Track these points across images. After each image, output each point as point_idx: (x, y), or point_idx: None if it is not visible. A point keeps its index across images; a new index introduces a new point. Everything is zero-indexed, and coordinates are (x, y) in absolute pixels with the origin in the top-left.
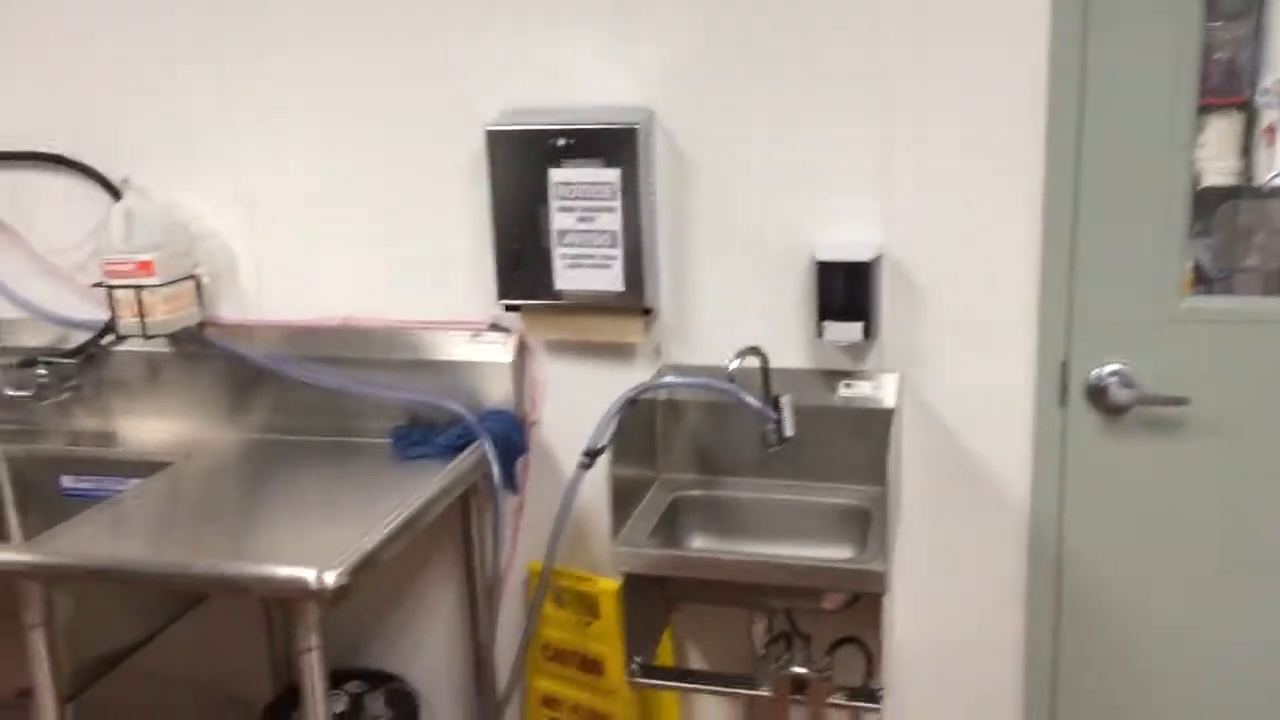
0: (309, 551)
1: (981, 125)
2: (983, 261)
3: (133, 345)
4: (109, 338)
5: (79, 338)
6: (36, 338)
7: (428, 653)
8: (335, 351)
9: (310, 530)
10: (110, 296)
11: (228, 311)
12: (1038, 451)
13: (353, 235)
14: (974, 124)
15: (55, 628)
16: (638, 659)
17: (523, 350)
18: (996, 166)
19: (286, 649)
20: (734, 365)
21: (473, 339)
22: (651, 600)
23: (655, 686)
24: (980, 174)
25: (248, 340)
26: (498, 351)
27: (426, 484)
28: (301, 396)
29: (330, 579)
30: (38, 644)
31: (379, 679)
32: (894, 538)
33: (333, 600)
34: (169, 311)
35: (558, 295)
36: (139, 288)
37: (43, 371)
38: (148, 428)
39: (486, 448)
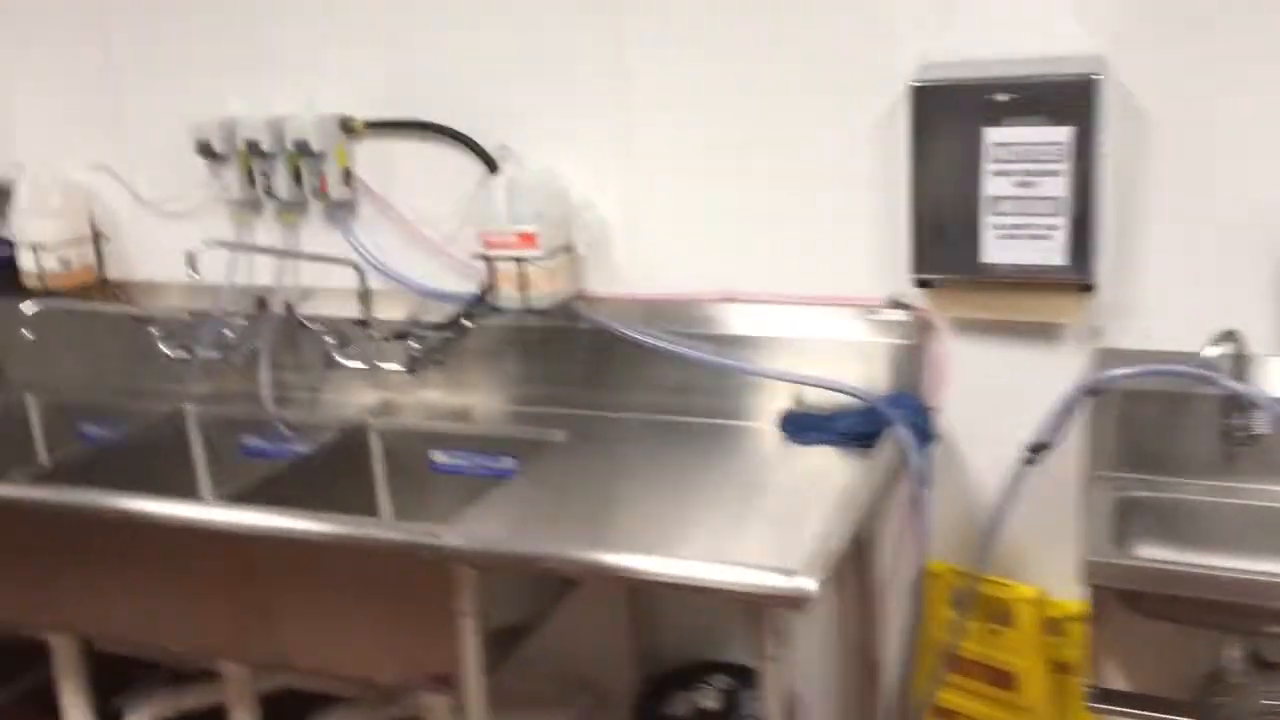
0: (770, 552)
1: None
2: None
3: (501, 319)
4: (480, 310)
5: (440, 311)
6: (395, 310)
7: (802, 651)
8: (712, 328)
9: (749, 526)
10: (490, 269)
11: (599, 284)
12: None
13: (738, 204)
14: None
15: (484, 616)
16: (1092, 684)
17: (926, 330)
18: None
19: (650, 638)
20: (1213, 352)
21: (869, 317)
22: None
23: (1113, 714)
24: None
25: (620, 314)
26: (897, 331)
27: (857, 477)
28: (676, 375)
29: (810, 586)
30: (467, 632)
31: (748, 674)
32: None
33: (801, 606)
34: (550, 284)
35: (983, 269)
36: (521, 260)
37: (415, 344)
38: (515, 403)
39: (904, 436)
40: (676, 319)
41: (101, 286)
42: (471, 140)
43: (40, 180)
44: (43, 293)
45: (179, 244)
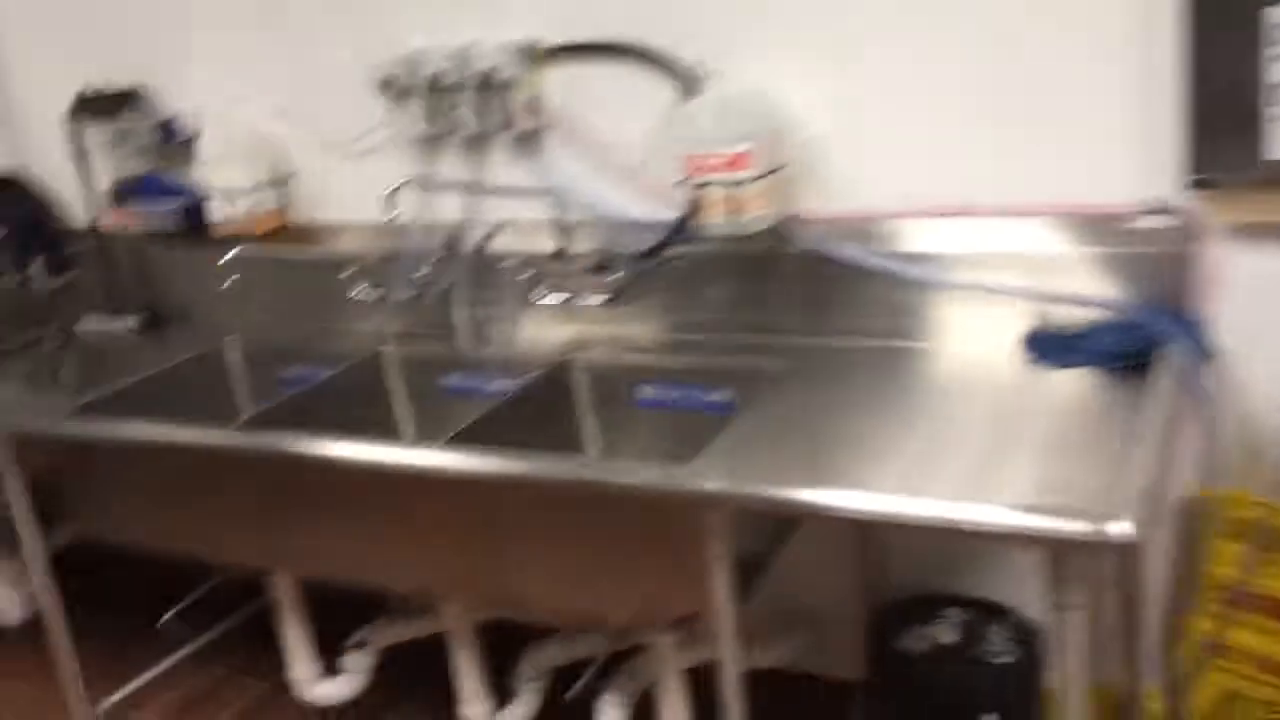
0: (1058, 490)
1: None
2: None
3: (705, 245)
4: (683, 238)
5: (637, 240)
6: (586, 242)
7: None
8: (938, 246)
9: (1012, 459)
10: (694, 193)
11: (810, 203)
12: None
13: (965, 110)
14: None
15: (734, 555)
16: None
17: (1194, 236)
18: None
19: (878, 568)
20: None
21: (1124, 225)
22: None
23: None
24: None
25: (834, 234)
26: (1159, 239)
27: (1137, 403)
28: (898, 298)
29: (1130, 531)
30: (718, 572)
31: (985, 608)
32: None
33: (1127, 554)
34: (761, 207)
35: (1267, 167)
36: (732, 183)
37: (614, 276)
38: (722, 332)
39: (1180, 353)
40: (896, 238)
41: (287, 230)
42: (666, 59)
43: (225, 127)
44: (231, 239)
45: (363, 185)
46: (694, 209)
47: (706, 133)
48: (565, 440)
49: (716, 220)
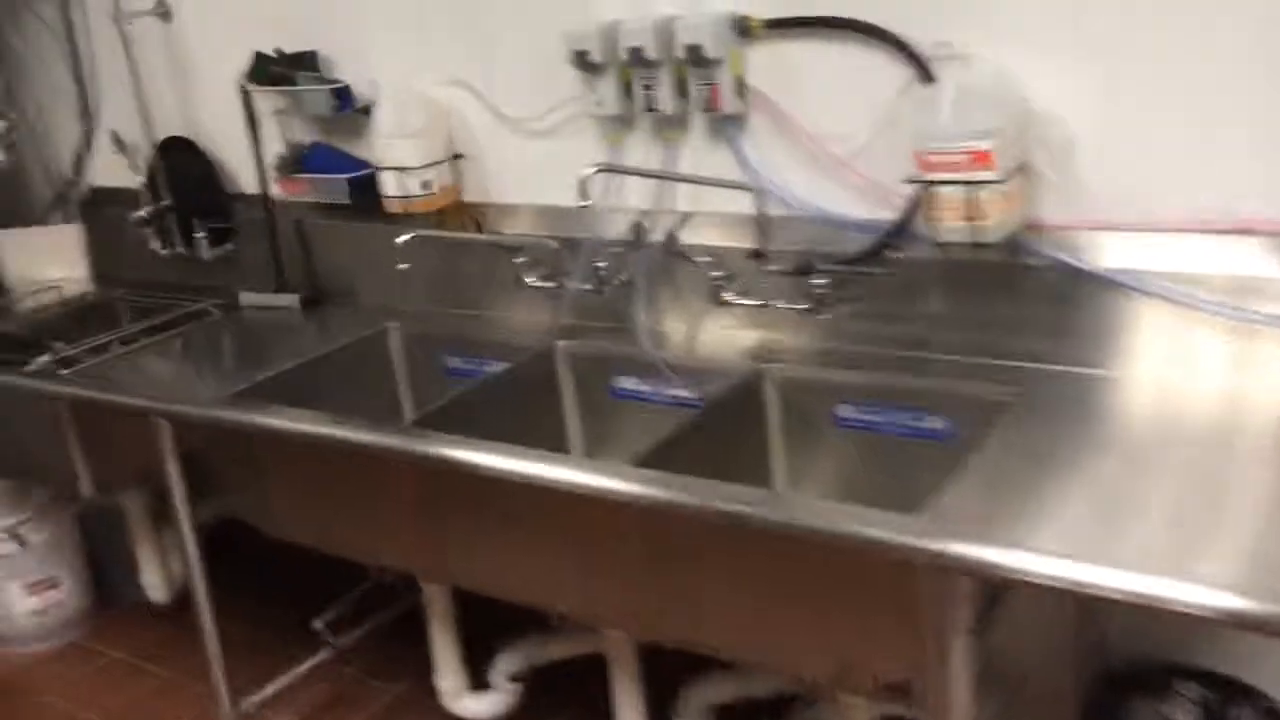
0: None
1: None
2: None
3: (925, 251)
4: (902, 241)
5: (842, 241)
6: (783, 239)
7: None
8: (1212, 268)
9: None
10: (923, 193)
11: (1055, 210)
12: None
13: (1255, 107)
14: None
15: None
16: None
17: None
18: None
19: (1097, 631)
20: None
21: None
22: None
23: None
24: None
25: (1084, 247)
26: None
27: None
28: (1157, 327)
29: None
30: (948, 644)
31: (1228, 686)
32: None
33: None
34: (1001, 213)
35: None
36: (973, 183)
37: (820, 280)
38: (939, 351)
39: None
40: (1160, 255)
41: (460, 210)
42: (898, 39)
43: (401, 99)
44: (401, 217)
45: (543, 166)
46: (917, 211)
47: (943, 126)
48: (751, 460)
49: (948, 225)
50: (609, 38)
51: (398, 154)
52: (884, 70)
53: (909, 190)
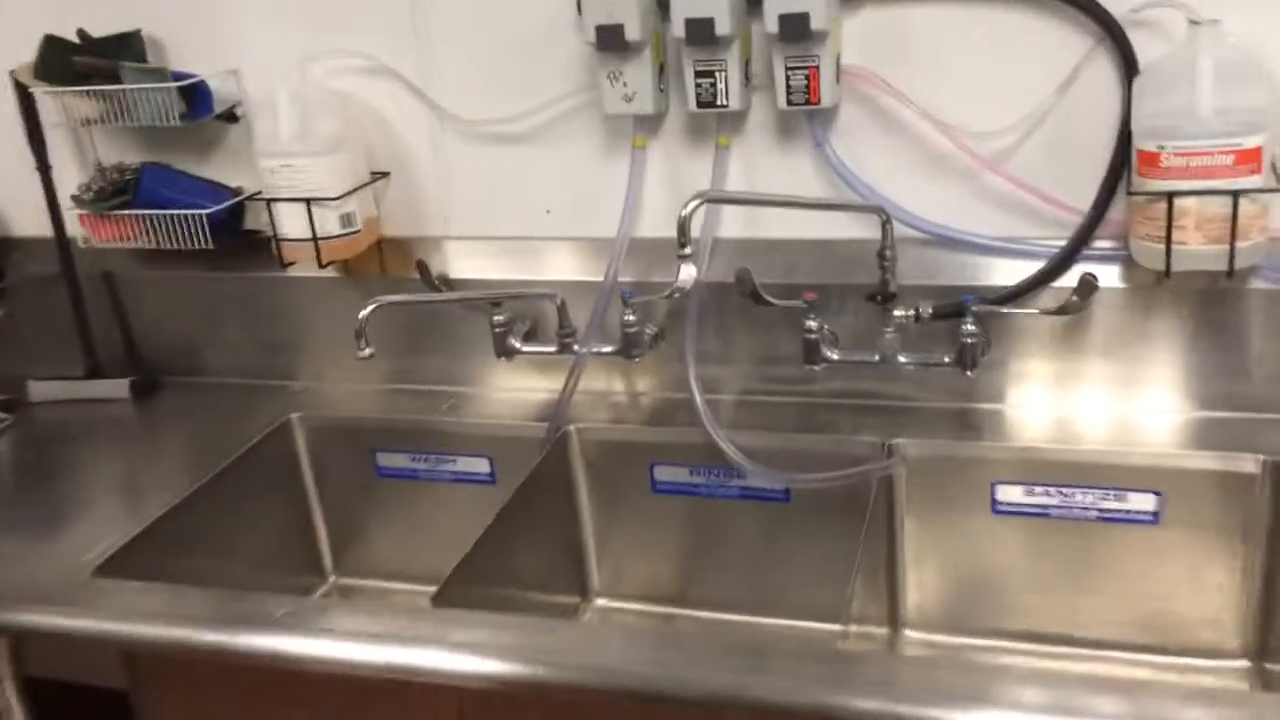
0: None
1: None
2: None
3: (1132, 283)
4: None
5: (975, 271)
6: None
7: None
8: None
9: None
10: (1139, 207)
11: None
12: None
13: None
14: None
15: None
16: None
17: None
18: None
19: None
20: None
21: None
22: None
23: None
24: None
25: None
26: None
27: None
28: None
29: None
30: None
31: None
32: None
33: None
34: (1260, 230)
35: None
36: (1228, 194)
37: (972, 328)
38: (1168, 411)
39: None
40: None
41: (383, 251)
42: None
43: (302, 98)
44: (296, 264)
45: (510, 182)
46: (1095, 229)
47: (1200, 115)
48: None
49: (1191, 248)
50: (650, 7)
51: (302, 178)
52: (1048, 39)
53: (1076, 202)
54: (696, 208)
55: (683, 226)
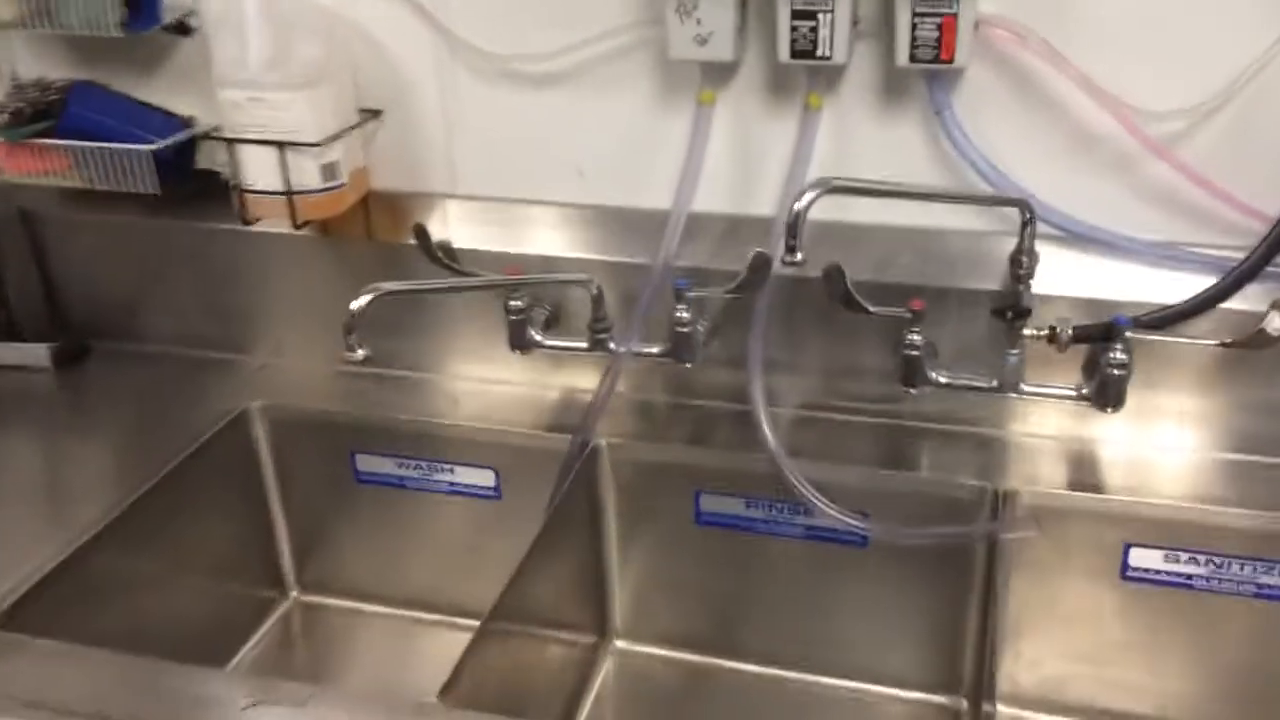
0: None
1: None
2: None
3: None
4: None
5: (1134, 283)
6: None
7: None
8: None
9: None
10: None
11: None
12: None
13: None
14: None
15: None
16: None
17: None
18: None
19: None
20: None
21: None
22: None
23: None
24: None
25: None
26: None
27: None
28: None
29: None
30: None
31: None
32: None
33: None
34: None
35: None
36: None
37: (1120, 355)
38: None
39: None
40: None
41: (371, 210)
42: None
43: (275, 10)
44: (265, 219)
45: (535, 134)
46: None
47: None
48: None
49: None
50: None
51: (274, 116)
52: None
53: (1261, 204)
54: (816, 199)
55: (794, 222)
